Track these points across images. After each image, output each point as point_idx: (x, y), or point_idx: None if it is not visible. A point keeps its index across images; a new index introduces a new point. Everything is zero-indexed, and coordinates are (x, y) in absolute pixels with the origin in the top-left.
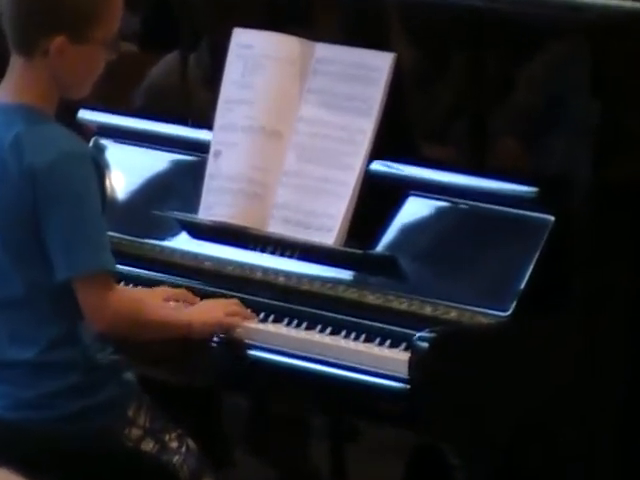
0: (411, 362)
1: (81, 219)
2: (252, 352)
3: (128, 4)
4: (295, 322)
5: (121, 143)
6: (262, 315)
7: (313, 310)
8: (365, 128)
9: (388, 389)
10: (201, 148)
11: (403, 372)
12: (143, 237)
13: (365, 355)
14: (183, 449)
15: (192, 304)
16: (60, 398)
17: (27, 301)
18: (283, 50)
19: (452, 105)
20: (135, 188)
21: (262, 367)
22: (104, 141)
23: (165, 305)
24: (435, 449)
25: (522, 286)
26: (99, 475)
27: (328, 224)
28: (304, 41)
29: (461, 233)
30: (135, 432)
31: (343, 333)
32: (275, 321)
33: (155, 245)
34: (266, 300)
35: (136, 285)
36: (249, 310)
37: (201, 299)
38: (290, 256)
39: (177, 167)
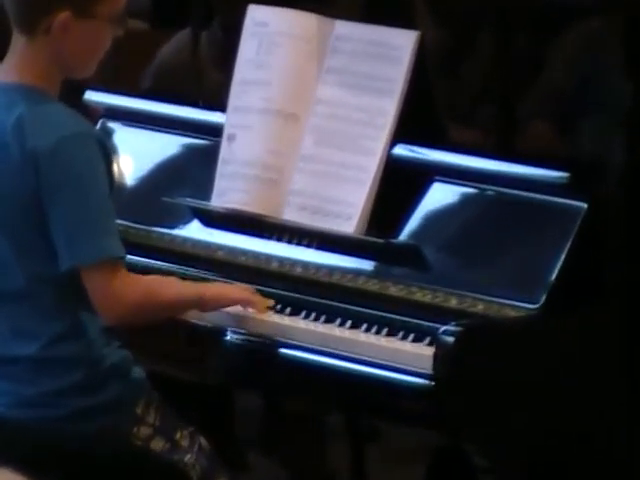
0: (435, 357)
1: (86, 203)
2: (267, 347)
3: None
4: (313, 315)
5: (129, 126)
6: (278, 308)
7: (332, 303)
8: (387, 110)
9: (411, 386)
10: (214, 131)
11: (427, 368)
12: (152, 225)
13: (387, 350)
14: (195, 448)
15: None
16: (64, 396)
17: (29, 293)
18: (300, 27)
19: (479, 86)
20: (144, 173)
21: (277, 363)
22: (111, 124)
23: (173, 282)
24: (460, 451)
25: (553, 277)
26: (107, 476)
27: (348, 212)
28: (322, 18)
29: (488, 221)
30: (144, 431)
31: (364, 327)
32: (292, 314)
33: (165, 234)
34: (282, 292)
35: None
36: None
37: None
38: (307, 245)
39: (188, 151)
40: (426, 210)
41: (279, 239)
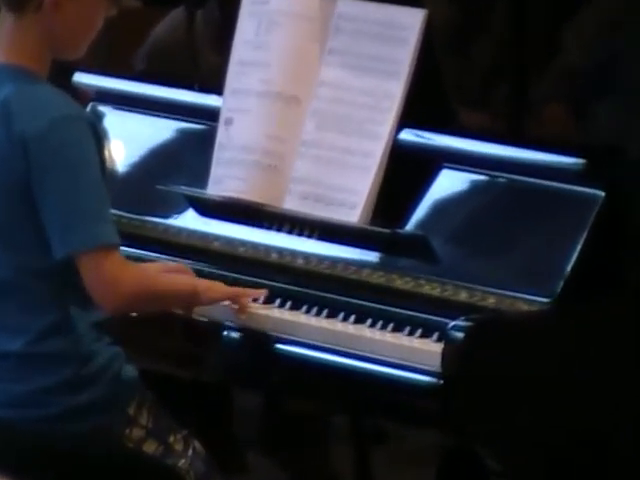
0: (444, 354)
1: (79, 189)
2: (266, 343)
3: None
4: (315, 309)
5: (121, 110)
6: (278, 302)
7: (335, 296)
8: (393, 93)
9: (418, 385)
10: (210, 115)
11: (435, 365)
12: (145, 215)
13: (393, 346)
14: (189, 452)
15: None
16: (52, 394)
17: (15, 286)
18: (302, 6)
19: (490, 67)
20: (136, 160)
21: (277, 360)
22: (102, 107)
23: (167, 273)
24: (471, 453)
25: (568, 269)
26: (98, 479)
27: (352, 200)
28: None
29: (500, 210)
30: (137, 433)
31: (368, 322)
32: (292, 308)
33: (158, 224)
34: (282, 285)
35: None
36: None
37: None
38: (309, 236)
39: (183, 136)
40: (434, 198)
41: (279, 229)
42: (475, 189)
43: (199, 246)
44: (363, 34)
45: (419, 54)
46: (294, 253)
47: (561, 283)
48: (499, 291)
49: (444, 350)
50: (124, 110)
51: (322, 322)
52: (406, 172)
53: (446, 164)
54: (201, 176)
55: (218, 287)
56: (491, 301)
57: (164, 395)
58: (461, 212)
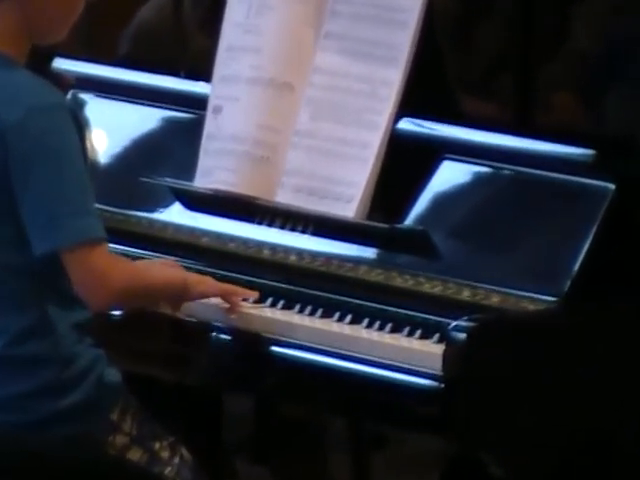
0: (445, 356)
1: (62, 181)
2: (258, 344)
3: None
4: (309, 309)
5: (103, 97)
6: (270, 301)
7: (330, 295)
8: (391, 80)
9: (418, 388)
10: (198, 103)
11: (436, 368)
12: (129, 209)
13: (391, 348)
14: (176, 459)
15: None
16: (32, 399)
17: None
18: None
19: (495, 54)
20: (119, 151)
21: (269, 362)
22: (83, 95)
23: (155, 265)
24: (474, 459)
25: (576, 266)
26: None
27: (348, 193)
28: None
29: (504, 204)
30: (120, 439)
31: (365, 322)
32: (285, 308)
33: (143, 218)
34: (274, 283)
35: None
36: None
37: None
38: (303, 231)
39: (169, 126)
40: (435, 191)
41: (271, 224)
42: (478, 181)
43: (186, 242)
44: (360, 18)
45: (419, 39)
46: (287, 249)
47: (569, 281)
48: (503, 289)
49: (445, 352)
50: (106, 98)
51: (316, 322)
52: (405, 164)
53: (447, 155)
54: (188, 168)
55: (209, 281)
56: (495, 300)
57: (149, 400)
58: (463, 206)
